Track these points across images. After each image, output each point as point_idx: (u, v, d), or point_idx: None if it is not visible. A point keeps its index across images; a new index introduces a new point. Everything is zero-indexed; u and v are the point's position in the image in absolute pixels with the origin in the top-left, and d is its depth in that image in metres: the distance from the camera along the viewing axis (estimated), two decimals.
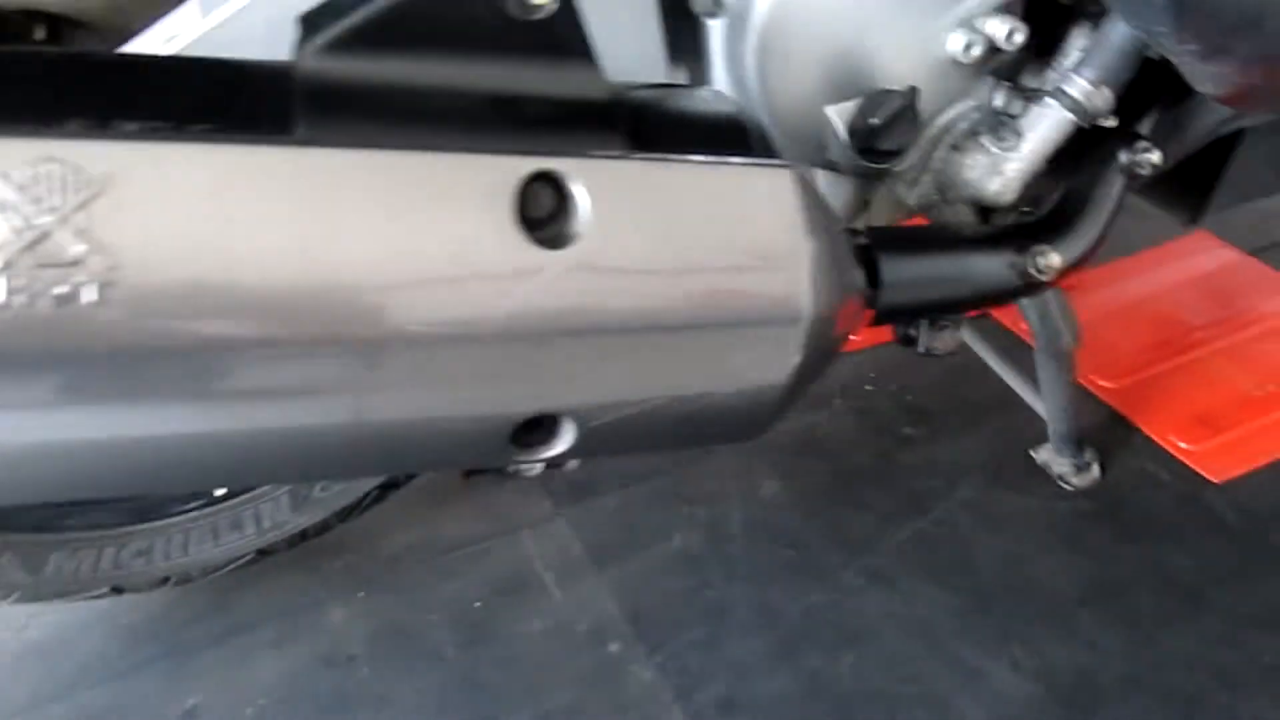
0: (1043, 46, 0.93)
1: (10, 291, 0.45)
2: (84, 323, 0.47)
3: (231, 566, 1.17)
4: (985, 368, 1.47)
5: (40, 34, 0.85)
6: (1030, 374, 1.34)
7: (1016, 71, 0.94)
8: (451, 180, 0.54)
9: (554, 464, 0.74)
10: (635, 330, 0.56)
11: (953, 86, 0.90)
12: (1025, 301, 1.18)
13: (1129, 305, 1.62)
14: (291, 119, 0.57)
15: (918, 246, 0.82)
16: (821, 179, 0.98)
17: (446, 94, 0.60)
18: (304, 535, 1.20)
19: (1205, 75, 0.82)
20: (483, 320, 0.54)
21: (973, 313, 1.52)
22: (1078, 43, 0.90)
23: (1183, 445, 1.37)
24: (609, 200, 0.56)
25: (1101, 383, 1.47)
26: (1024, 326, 1.37)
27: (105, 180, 0.47)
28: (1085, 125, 0.88)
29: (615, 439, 0.63)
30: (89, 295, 0.47)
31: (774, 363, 0.61)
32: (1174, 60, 0.81)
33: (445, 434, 0.57)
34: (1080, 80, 0.86)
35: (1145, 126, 0.94)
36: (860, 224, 1.00)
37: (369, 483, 1.18)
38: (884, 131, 0.82)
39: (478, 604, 1.23)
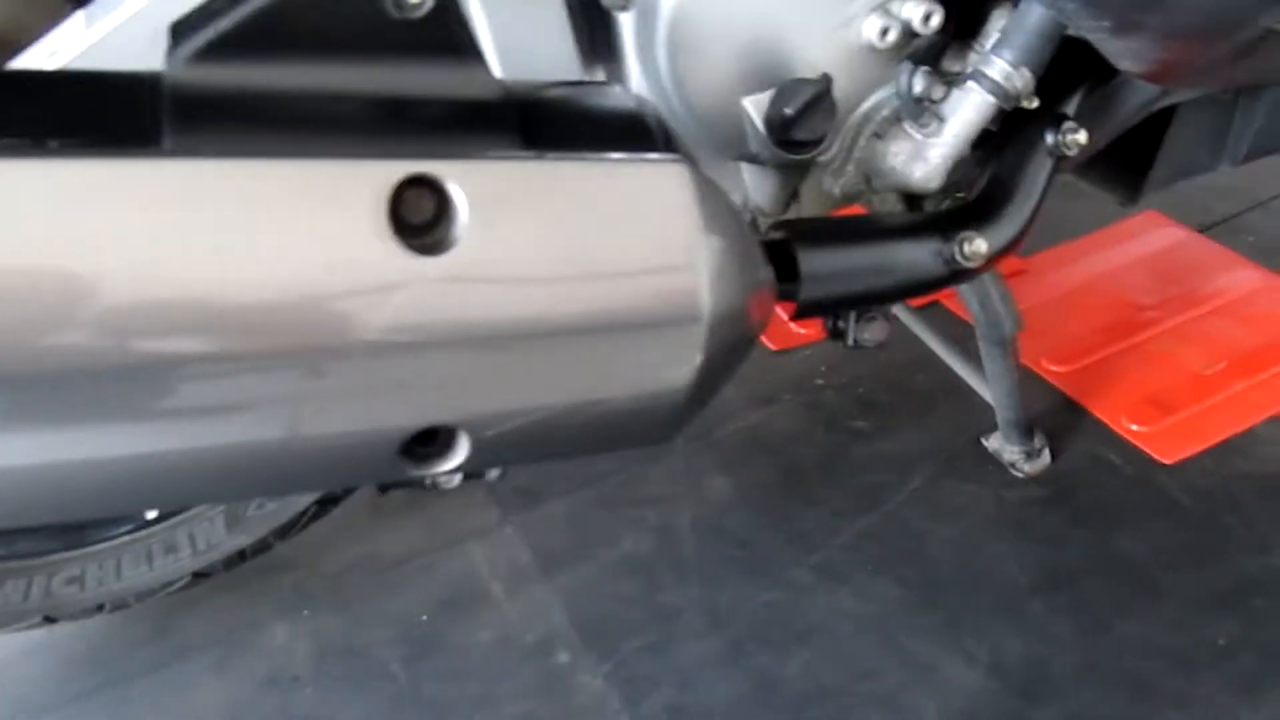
0: (965, 29, 0.91)
1: None
2: None
3: (167, 590, 1.15)
4: (939, 357, 1.46)
5: None
6: (979, 362, 1.33)
7: (938, 55, 0.92)
8: (322, 188, 0.52)
9: (471, 475, 0.72)
10: (520, 337, 0.54)
11: (872, 73, 0.88)
12: (964, 289, 1.17)
13: (1079, 288, 1.61)
14: (160, 130, 0.55)
15: (838, 238, 0.80)
16: (747, 172, 0.96)
17: (324, 99, 0.58)
18: (242, 555, 1.17)
19: (1122, 52, 0.80)
20: (357, 333, 0.51)
21: (918, 302, 1.50)
22: (998, 24, 0.88)
23: (1134, 427, 1.35)
24: (488, 203, 0.53)
25: (1052, 367, 1.46)
26: None
27: None
28: (1007, 107, 0.86)
29: (515, 448, 0.61)
30: None
31: (675, 364, 0.59)
32: (1089, 38, 0.79)
33: (328, 452, 0.55)
34: (999, 62, 0.84)
35: (1071, 107, 0.92)
36: (786, 216, 0.99)
37: (306, 499, 1.16)
38: (799, 121, 0.80)
39: (424, 618, 1.21)
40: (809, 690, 1.09)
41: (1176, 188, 1.21)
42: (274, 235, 0.51)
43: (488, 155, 0.55)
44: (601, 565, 1.25)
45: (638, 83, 0.89)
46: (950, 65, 0.92)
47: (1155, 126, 1.09)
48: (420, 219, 0.54)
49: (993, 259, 0.88)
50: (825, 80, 0.79)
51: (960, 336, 1.46)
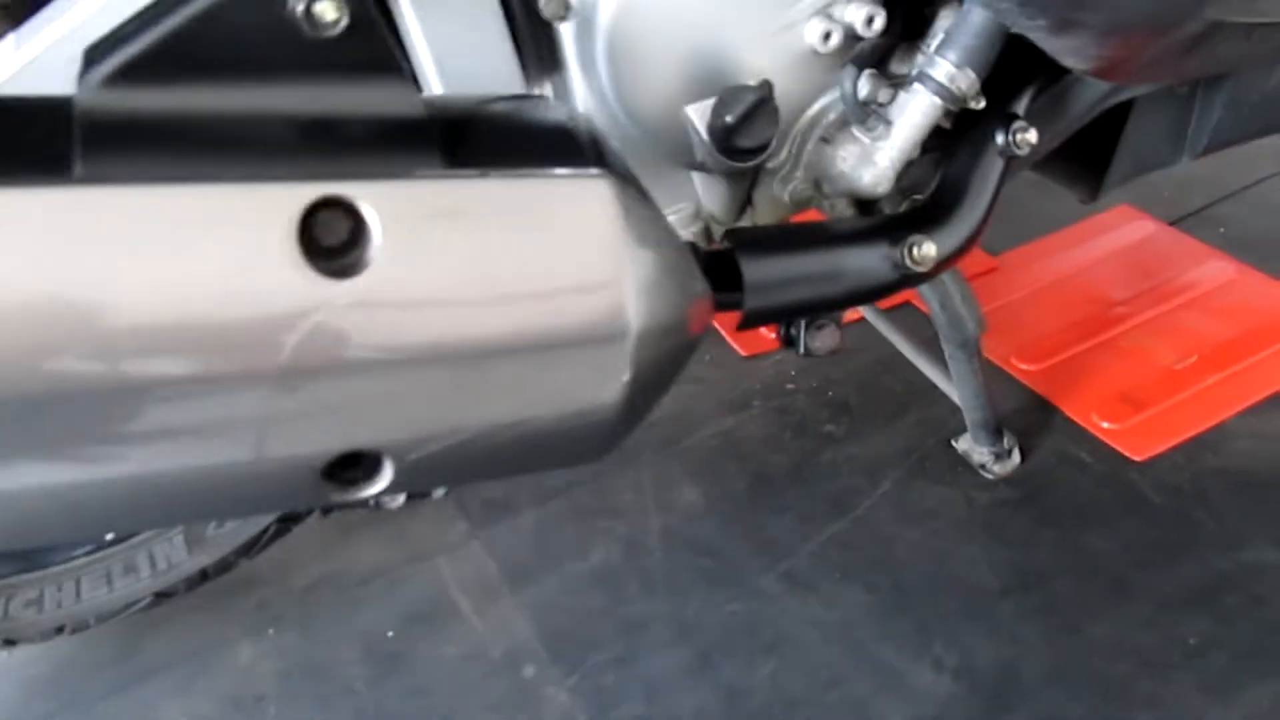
0: (912, 31, 0.90)
1: None
2: None
3: (129, 611, 1.13)
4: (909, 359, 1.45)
5: None
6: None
7: (885, 58, 0.91)
8: (230, 212, 0.51)
9: (415, 495, 0.71)
10: (436, 360, 0.53)
11: (816, 78, 0.88)
12: (925, 291, 1.16)
13: (1049, 284, 1.60)
14: (70, 157, 0.54)
15: (783, 245, 0.79)
16: (698, 181, 0.95)
17: (240, 121, 0.57)
18: (204, 575, 1.16)
19: (1064, 50, 0.80)
20: (267, 359, 0.50)
21: (886, 304, 1.49)
22: (943, 25, 0.87)
23: (1105, 425, 1.35)
24: (400, 223, 0.52)
25: (1022, 366, 1.45)
26: None
27: None
28: (953, 108, 0.85)
29: (443, 471, 0.60)
30: None
31: (602, 382, 0.58)
32: (1029, 36, 0.78)
33: (243, 479, 0.54)
34: (943, 63, 0.83)
35: (1021, 106, 0.92)
36: (740, 224, 0.98)
37: (266, 516, 1.14)
38: (741, 128, 0.79)
39: (390, 634, 1.20)
40: (776, 701, 1.08)
41: (1147, 180, 1.20)
42: (181, 262, 0.50)
43: (402, 174, 0.54)
44: (569, 577, 1.24)
45: (582, 94, 0.88)
46: (898, 68, 0.92)
47: (1115, 122, 1.09)
48: (335, 241, 0.53)
49: (944, 262, 0.87)
50: (766, 86, 0.78)
51: (930, 338, 1.44)
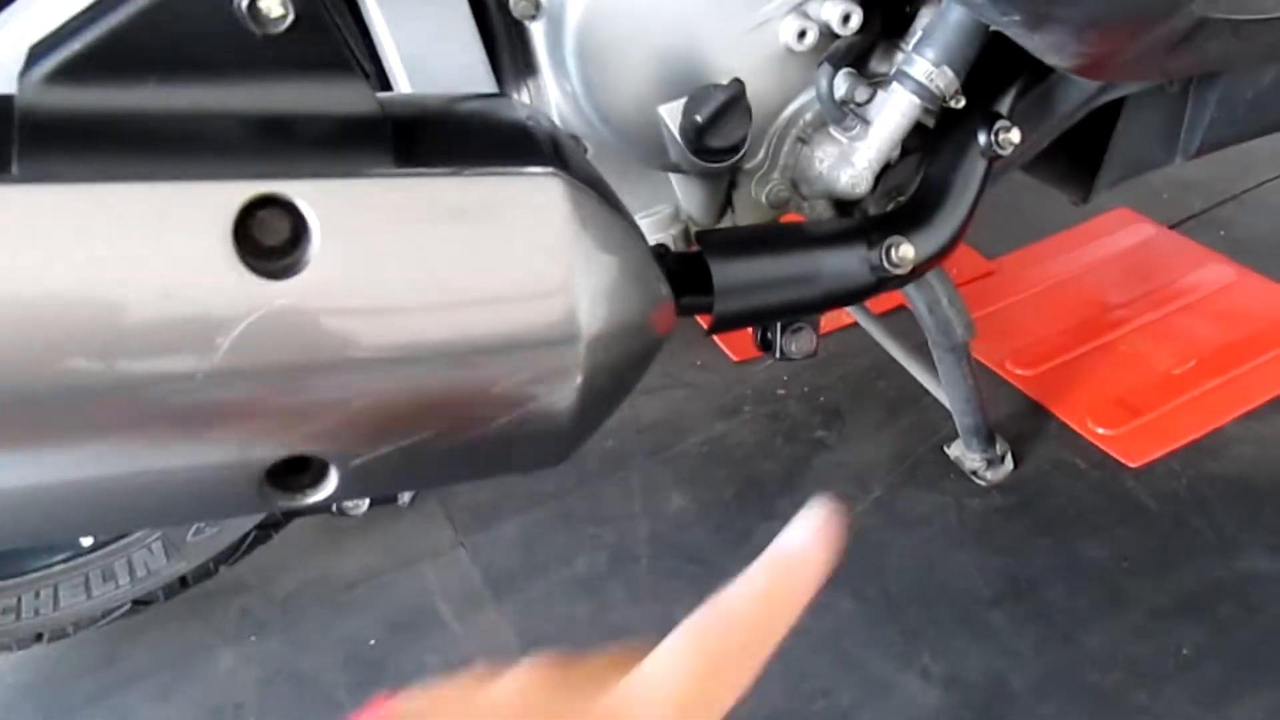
0: (894, 29, 0.89)
1: None
2: None
3: (108, 619, 1.12)
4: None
5: None
6: None
7: (865, 57, 0.89)
8: (166, 211, 0.50)
9: (379, 501, 0.70)
10: (376, 362, 0.52)
11: (792, 77, 0.86)
12: (913, 296, 1.14)
13: (1047, 288, 1.57)
14: (9, 156, 0.52)
15: (754, 247, 0.78)
16: (676, 182, 0.94)
17: (185, 119, 0.55)
18: (183, 582, 1.14)
19: (1044, 47, 0.78)
20: (199, 361, 0.49)
21: (879, 308, 1.47)
22: (922, 23, 0.86)
23: (1100, 431, 1.32)
24: (340, 222, 0.51)
25: (1017, 370, 1.43)
26: None
27: None
28: (932, 107, 0.84)
29: (393, 476, 0.59)
30: None
31: (553, 386, 0.56)
32: (1008, 33, 0.77)
33: (180, 485, 0.52)
34: (921, 61, 0.82)
35: (1005, 105, 0.90)
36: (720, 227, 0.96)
37: (246, 522, 1.13)
38: (712, 128, 0.78)
39: (373, 642, 1.18)
40: (761, 711, 1.06)
41: (1146, 183, 1.18)
42: (115, 261, 0.49)
43: (342, 173, 0.53)
44: (554, 585, 1.22)
45: (555, 96, 0.87)
46: (878, 66, 0.90)
47: (1106, 122, 1.07)
48: (276, 241, 0.52)
49: (925, 264, 0.86)
50: (736, 85, 0.77)
51: (923, 343, 1.42)
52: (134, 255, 0.49)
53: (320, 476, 0.57)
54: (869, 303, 1.48)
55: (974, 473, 1.28)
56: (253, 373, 0.50)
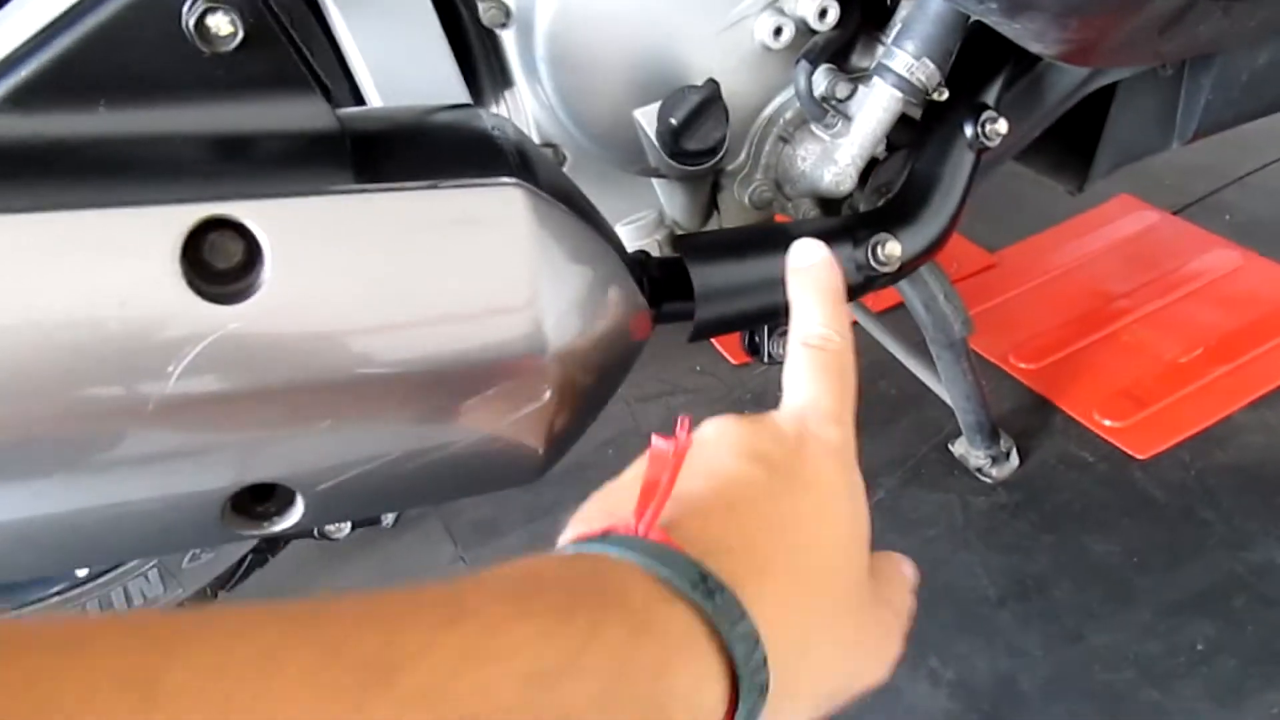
0: (874, 22, 0.87)
1: None
2: None
3: None
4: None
5: None
6: None
7: (847, 52, 0.88)
8: (111, 238, 0.48)
9: (360, 524, 0.69)
10: (334, 385, 0.50)
11: (770, 75, 0.84)
12: (909, 293, 1.12)
13: (1049, 280, 1.55)
14: None
15: (736, 251, 0.76)
16: (658, 187, 0.92)
17: (136, 143, 0.54)
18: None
19: (1026, 34, 0.76)
20: (150, 390, 0.48)
21: (879, 306, 1.45)
22: (902, 15, 0.84)
23: (1106, 423, 1.30)
24: (291, 242, 0.50)
25: (1021, 364, 1.40)
26: None
27: None
28: (915, 100, 0.82)
29: (363, 500, 0.57)
30: None
31: (522, 402, 0.55)
32: (987, 21, 0.75)
33: (140, 516, 0.51)
34: (901, 54, 0.80)
35: (991, 95, 0.88)
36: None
37: (242, 546, 1.12)
38: (687, 130, 0.76)
39: None
40: None
41: (1148, 169, 1.16)
42: (63, 290, 0.48)
43: (294, 191, 0.51)
44: None
45: (530, 105, 0.85)
46: (859, 61, 0.88)
47: (1100, 108, 1.05)
48: (228, 264, 0.51)
49: (915, 260, 0.84)
50: (711, 86, 0.75)
51: (923, 340, 1.40)
52: (79, 284, 0.48)
53: (286, 503, 0.56)
54: (869, 301, 1.46)
55: (979, 470, 1.26)
56: (207, 400, 0.49)
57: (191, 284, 0.48)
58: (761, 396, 1.44)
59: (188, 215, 0.49)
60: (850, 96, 0.83)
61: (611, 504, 0.42)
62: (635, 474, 0.42)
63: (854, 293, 0.81)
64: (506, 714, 0.29)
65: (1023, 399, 1.38)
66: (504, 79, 0.86)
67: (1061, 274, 1.56)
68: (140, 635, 0.26)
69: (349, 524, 0.73)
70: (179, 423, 0.49)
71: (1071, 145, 1.11)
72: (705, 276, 0.74)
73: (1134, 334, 1.42)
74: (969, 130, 0.86)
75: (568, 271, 0.56)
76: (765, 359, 0.84)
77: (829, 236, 0.80)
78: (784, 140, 0.87)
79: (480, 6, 0.79)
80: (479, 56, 0.85)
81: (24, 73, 0.53)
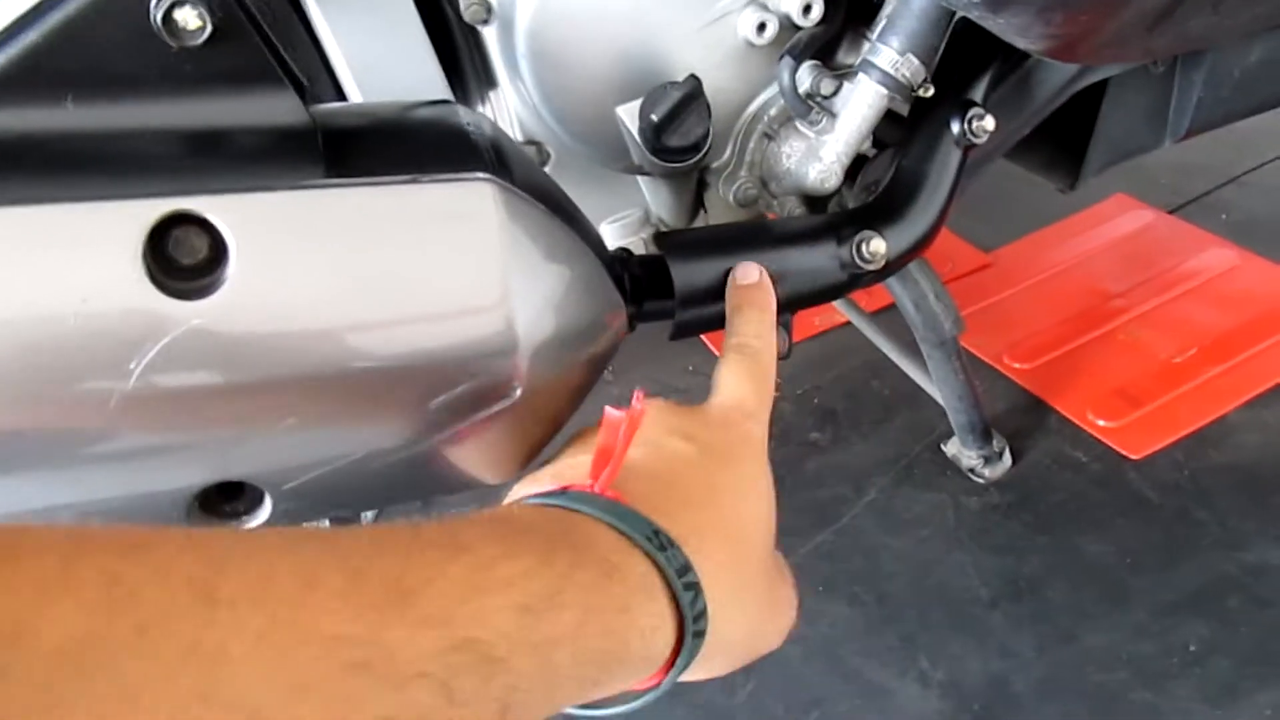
0: (859, 18, 0.86)
1: None
2: None
3: None
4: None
5: None
6: None
7: (832, 48, 0.87)
8: (73, 233, 0.48)
9: (338, 519, 0.68)
10: (299, 382, 0.49)
11: (754, 71, 0.84)
12: (899, 292, 1.11)
13: (1044, 279, 1.54)
14: None
15: (718, 248, 0.75)
16: (644, 185, 0.92)
17: (104, 138, 0.54)
18: None
19: (1011, 30, 0.75)
20: (112, 385, 0.47)
21: (872, 306, 1.44)
22: (887, 10, 0.83)
23: (1101, 423, 1.29)
24: (255, 237, 0.49)
25: (1015, 364, 1.40)
26: None
27: None
28: (900, 97, 0.81)
29: (334, 497, 0.57)
30: None
31: (491, 401, 0.54)
32: (971, 17, 0.74)
33: (104, 517, 0.50)
34: (886, 50, 0.79)
35: (979, 92, 0.87)
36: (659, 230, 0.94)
37: None
38: (668, 127, 0.75)
39: None
40: None
41: (1144, 167, 1.15)
42: (23, 286, 0.47)
43: (259, 186, 0.51)
44: None
45: (513, 102, 0.85)
46: (845, 58, 0.87)
47: (1091, 105, 1.04)
48: (194, 260, 0.50)
49: (900, 259, 0.83)
50: (693, 82, 0.74)
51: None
52: (41, 279, 0.47)
53: (255, 502, 0.55)
54: (861, 301, 1.45)
55: (971, 470, 1.25)
56: (170, 397, 0.48)
57: (155, 280, 0.48)
58: None
59: (151, 210, 0.48)
60: (835, 93, 0.82)
61: (558, 469, 0.49)
62: (575, 448, 0.50)
63: (839, 290, 0.80)
64: (504, 639, 0.34)
65: (1017, 399, 1.37)
66: (487, 77, 0.85)
67: (1056, 273, 1.55)
68: (195, 548, 0.30)
69: (326, 521, 0.72)
70: (142, 420, 0.48)
71: (1063, 143, 1.11)
72: (686, 274, 0.73)
73: (1129, 333, 1.41)
74: (955, 127, 0.85)
75: (540, 269, 0.56)
76: None
77: (813, 233, 0.80)
78: (769, 137, 0.86)
79: (462, 3, 0.78)
80: (463, 54, 0.85)
81: None
